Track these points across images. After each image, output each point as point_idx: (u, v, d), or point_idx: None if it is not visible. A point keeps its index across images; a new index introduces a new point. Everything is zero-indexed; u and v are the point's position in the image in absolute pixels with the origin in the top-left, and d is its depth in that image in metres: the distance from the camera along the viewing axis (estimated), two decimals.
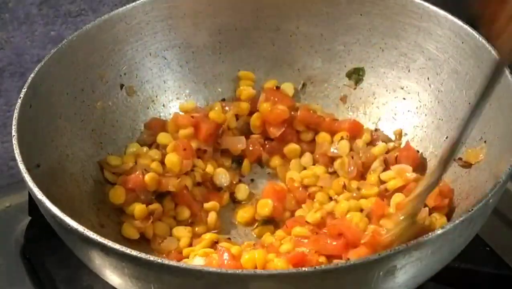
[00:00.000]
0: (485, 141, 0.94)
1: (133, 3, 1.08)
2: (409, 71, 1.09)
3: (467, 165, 0.97)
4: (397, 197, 0.97)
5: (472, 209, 0.78)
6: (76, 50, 1.03)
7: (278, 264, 0.87)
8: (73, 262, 0.90)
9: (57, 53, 1.00)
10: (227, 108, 1.12)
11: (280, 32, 1.15)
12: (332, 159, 1.08)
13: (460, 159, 0.98)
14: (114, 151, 1.07)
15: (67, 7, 1.19)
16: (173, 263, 0.73)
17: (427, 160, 1.05)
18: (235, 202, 1.07)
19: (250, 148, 1.10)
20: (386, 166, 1.04)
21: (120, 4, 1.20)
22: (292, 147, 1.10)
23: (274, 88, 1.14)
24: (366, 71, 1.13)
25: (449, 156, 0.84)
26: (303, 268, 0.74)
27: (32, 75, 0.95)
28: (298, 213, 1.03)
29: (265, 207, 1.02)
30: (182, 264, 0.74)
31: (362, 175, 1.05)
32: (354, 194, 1.01)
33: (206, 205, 1.03)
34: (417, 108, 1.08)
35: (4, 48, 1.18)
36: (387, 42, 1.10)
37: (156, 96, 1.13)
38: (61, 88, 1.00)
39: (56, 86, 0.99)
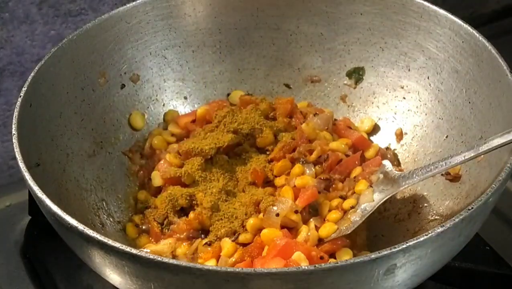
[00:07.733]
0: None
1: (133, 3, 1.08)
2: (409, 70, 1.09)
3: (457, 178, 0.98)
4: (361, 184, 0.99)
5: (472, 208, 0.78)
6: (76, 50, 1.03)
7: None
8: (73, 261, 0.91)
9: (57, 52, 1.00)
10: None
11: (280, 32, 1.15)
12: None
13: (448, 174, 0.99)
14: (113, 151, 1.07)
15: (67, 6, 1.19)
16: (173, 261, 0.73)
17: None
18: None
19: None
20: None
21: (120, 3, 1.20)
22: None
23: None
24: (366, 70, 1.13)
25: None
26: (304, 267, 0.74)
27: (32, 74, 0.95)
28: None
29: None
30: (182, 262, 0.74)
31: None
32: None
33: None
34: (417, 107, 1.08)
35: (4, 47, 1.18)
36: (387, 41, 1.10)
37: (156, 95, 1.13)
38: (61, 87, 1.00)
39: (56, 85, 0.99)
